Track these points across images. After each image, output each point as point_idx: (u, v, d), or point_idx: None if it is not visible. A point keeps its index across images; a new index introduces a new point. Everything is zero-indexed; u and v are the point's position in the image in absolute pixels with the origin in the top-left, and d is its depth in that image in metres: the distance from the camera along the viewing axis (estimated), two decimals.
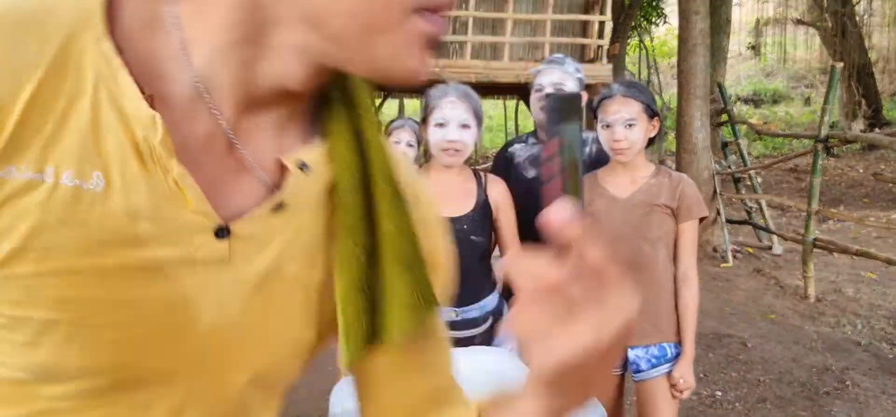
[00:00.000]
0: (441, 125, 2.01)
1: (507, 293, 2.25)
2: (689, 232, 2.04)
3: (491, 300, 2.14)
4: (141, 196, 0.48)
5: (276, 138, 0.55)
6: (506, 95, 11.86)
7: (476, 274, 2.11)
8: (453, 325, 2.11)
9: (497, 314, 2.14)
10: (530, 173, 2.44)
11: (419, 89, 10.18)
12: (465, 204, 2.09)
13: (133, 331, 0.49)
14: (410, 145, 2.59)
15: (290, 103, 0.55)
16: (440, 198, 2.18)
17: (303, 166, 0.54)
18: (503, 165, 2.53)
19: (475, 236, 2.07)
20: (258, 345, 0.55)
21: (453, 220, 2.04)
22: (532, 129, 2.62)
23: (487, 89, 9.58)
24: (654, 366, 2.08)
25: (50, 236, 0.46)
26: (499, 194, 2.15)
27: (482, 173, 2.18)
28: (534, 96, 2.44)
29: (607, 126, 2.04)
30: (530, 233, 2.40)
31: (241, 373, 0.55)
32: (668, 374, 2.08)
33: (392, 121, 2.66)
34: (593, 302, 0.45)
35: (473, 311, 2.11)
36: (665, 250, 2.07)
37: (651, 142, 2.11)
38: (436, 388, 0.65)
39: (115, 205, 0.47)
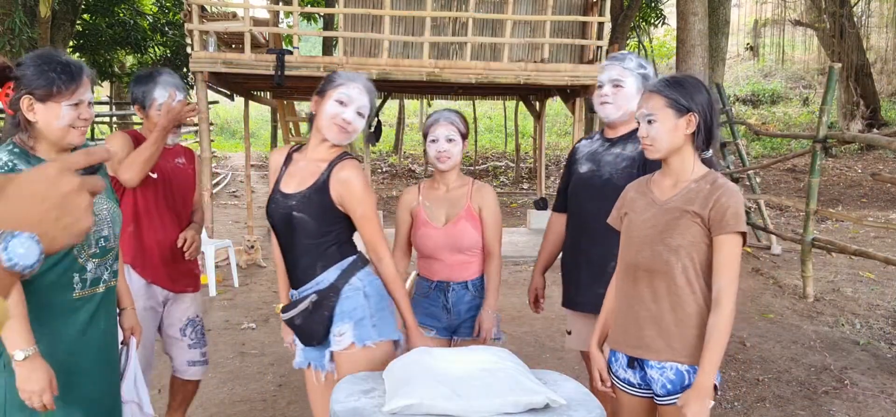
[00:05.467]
0: (341, 103, 2.10)
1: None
2: (725, 248, 1.79)
3: (326, 277, 2.08)
4: None
5: None
6: (505, 96, 11.85)
7: (305, 252, 2.09)
8: (291, 307, 2.10)
9: (330, 289, 2.06)
10: (584, 167, 2.52)
11: (420, 89, 10.20)
12: (304, 181, 2.08)
13: None
14: (450, 140, 2.51)
15: None
16: (290, 174, 2.13)
17: None
18: (569, 159, 2.68)
19: (298, 213, 2.05)
20: None
21: (285, 195, 2.09)
22: (594, 131, 2.76)
23: (487, 90, 9.60)
24: (669, 393, 1.89)
25: None
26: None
27: (343, 161, 2.08)
28: (595, 94, 2.52)
29: (650, 122, 1.93)
30: (577, 224, 2.53)
31: None
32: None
33: (429, 117, 2.62)
34: None
35: (308, 290, 2.09)
36: (688, 261, 1.85)
37: (704, 140, 1.91)
38: None
39: None
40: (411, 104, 19.19)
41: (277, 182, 2.15)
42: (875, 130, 13.81)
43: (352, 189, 2.03)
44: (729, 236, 1.80)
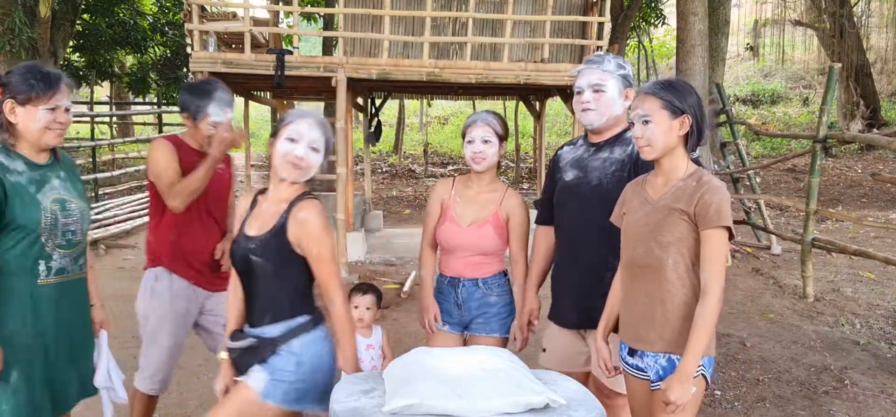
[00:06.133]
0: (292, 140, 2.05)
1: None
2: (710, 242, 1.89)
3: (270, 331, 2.05)
4: None
5: None
6: (505, 96, 11.86)
7: (258, 297, 2.07)
8: (237, 339, 2.10)
9: (269, 343, 2.03)
10: (570, 175, 2.41)
11: (420, 89, 10.20)
12: (265, 225, 2.06)
13: None
14: (486, 141, 2.52)
15: None
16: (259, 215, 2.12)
17: None
18: (553, 167, 2.55)
19: (256, 257, 2.03)
20: None
21: (246, 236, 2.08)
22: (582, 132, 2.59)
23: (487, 90, 9.59)
24: (660, 379, 1.99)
25: None
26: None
27: (302, 201, 2.05)
28: (575, 100, 2.40)
29: (631, 124, 2.06)
30: (564, 233, 2.43)
31: None
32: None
33: (469, 118, 2.63)
34: None
35: (253, 334, 2.07)
36: (679, 257, 1.95)
37: (695, 141, 2.00)
38: None
39: None
40: (411, 104, 19.18)
41: (242, 224, 2.14)
42: (875, 130, 13.81)
43: (309, 230, 2.00)
44: (713, 230, 1.89)
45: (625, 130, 2.37)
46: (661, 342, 1.98)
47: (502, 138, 2.57)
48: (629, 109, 2.26)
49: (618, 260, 2.16)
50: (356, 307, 2.89)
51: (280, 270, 2.05)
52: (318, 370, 2.07)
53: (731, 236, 1.93)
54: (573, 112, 7.61)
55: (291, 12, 7.34)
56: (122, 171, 12.75)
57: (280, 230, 2.03)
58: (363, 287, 2.98)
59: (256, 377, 2.03)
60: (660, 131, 1.96)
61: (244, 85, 8.06)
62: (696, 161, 2.06)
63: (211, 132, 2.75)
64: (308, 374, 2.04)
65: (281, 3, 8.95)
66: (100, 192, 11.26)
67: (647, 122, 1.97)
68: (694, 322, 1.89)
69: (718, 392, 3.88)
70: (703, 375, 1.95)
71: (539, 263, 2.60)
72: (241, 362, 2.09)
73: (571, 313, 2.39)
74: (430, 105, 19.00)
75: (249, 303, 2.13)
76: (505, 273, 2.67)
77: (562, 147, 2.58)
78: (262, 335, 2.06)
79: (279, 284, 2.06)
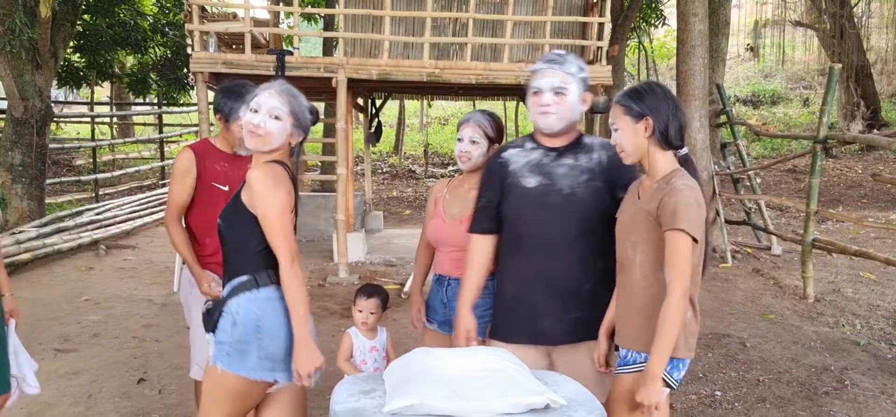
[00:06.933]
0: (253, 111, 2.07)
1: None
2: (669, 243, 1.91)
3: (225, 290, 2.08)
4: None
5: None
6: (505, 96, 11.86)
7: (226, 262, 2.13)
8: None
9: (220, 302, 2.06)
10: (530, 182, 2.24)
11: (420, 90, 10.20)
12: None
13: None
14: (474, 142, 2.55)
15: None
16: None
17: None
18: (497, 171, 2.32)
19: (221, 222, 2.11)
20: None
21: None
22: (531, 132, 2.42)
23: (487, 91, 9.60)
24: (624, 364, 2.07)
25: None
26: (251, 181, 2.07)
27: (260, 165, 2.06)
28: (531, 100, 2.26)
29: (615, 131, 2.12)
30: (529, 245, 2.24)
31: None
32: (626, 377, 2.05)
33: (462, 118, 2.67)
34: None
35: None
36: (644, 257, 2.00)
37: (664, 140, 2.02)
38: None
39: None
40: (411, 105, 19.19)
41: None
42: (875, 130, 13.81)
43: (254, 189, 1.98)
44: (671, 232, 1.92)
45: (581, 137, 2.29)
46: (626, 339, 2.07)
47: (493, 140, 2.55)
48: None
49: (596, 270, 2.17)
50: (360, 311, 2.88)
51: (234, 234, 2.06)
52: (263, 332, 1.99)
53: (696, 241, 1.92)
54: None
55: (292, 13, 7.35)
56: (123, 171, 12.75)
57: (238, 195, 2.06)
58: (368, 290, 2.94)
59: (209, 346, 2.06)
60: (626, 136, 2.04)
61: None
62: (685, 159, 2.06)
63: (242, 135, 2.77)
64: (246, 334, 1.98)
65: (281, 4, 8.95)
66: (100, 192, 11.26)
67: (616, 129, 2.06)
68: (658, 323, 1.91)
69: (719, 393, 3.87)
70: (663, 378, 1.93)
71: (476, 277, 2.36)
72: (205, 322, 2.09)
73: (557, 328, 2.20)
74: (430, 106, 19.00)
75: (223, 272, 2.16)
76: (492, 275, 2.52)
77: (505, 148, 2.37)
78: (222, 294, 2.09)
79: (234, 248, 2.07)
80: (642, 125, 2.02)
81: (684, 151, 2.07)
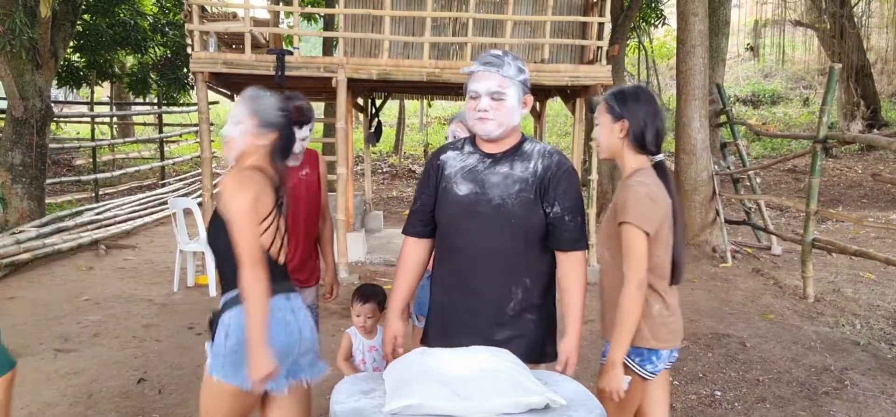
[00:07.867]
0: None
1: None
2: (624, 236, 2.05)
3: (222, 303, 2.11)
4: None
5: None
6: None
7: (220, 274, 2.16)
8: None
9: (216, 315, 2.09)
10: (462, 188, 2.11)
11: (420, 89, 10.19)
12: None
13: None
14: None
15: None
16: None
17: None
18: (433, 173, 2.21)
19: (209, 238, 2.15)
20: None
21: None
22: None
23: None
24: (603, 355, 2.19)
25: None
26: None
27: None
28: (469, 104, 2.11)
29: (597, 125, 2.29)
30: (457, 255, 2.12)
31: None
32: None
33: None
34: None
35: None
36: (607, 251, 2.19)
37: (638, 144, 2.15)
38: None
39: None
40: (411, 105, 19.18)
41: None
42: (875, 130, 13.81)
43: (221, 196, 2.00)
44: (622, 225, 2.06)
45: (522, 142, 2.15)
46: (610, 332, 2.16)
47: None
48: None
49: (523, 287, 2.08)
50: (358, 316, 2.89)
51: (219, 244, 2.08)
52: (245, 344, 2.01)
53: (647, 234, 2.03)
54: (573, 112, 7.65)
55: (292, 13, 7.34)
56: (123, 171, 12.75)
57: (215, 212, 2.09)
58: (364, 293, 2.92)
59: (209, 353, 2.09)
60: (603, 133, 2.19)
61: (245, 85, 8.05)
62: (659, 165, 2.15)
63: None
64: (233, 347, 2.00)
65: (281, 4, 8.95)
66: (100, 192, 11.26)
67: (597, 124, 2.22)
68: (617, 314, 2.06)
69: (718, 393, 3.88)
70: (626, 364, 2.10)
71: (406, 281, 2.27)
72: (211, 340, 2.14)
73: (458, 345, 1.97)
74: (430, 106, 18.98)
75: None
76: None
77: (443, 148, 2.25)
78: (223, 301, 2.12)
79: (223, 260, 2.10)
80: (619, 126, 2.15)
81: (659, 157, 2.18)
